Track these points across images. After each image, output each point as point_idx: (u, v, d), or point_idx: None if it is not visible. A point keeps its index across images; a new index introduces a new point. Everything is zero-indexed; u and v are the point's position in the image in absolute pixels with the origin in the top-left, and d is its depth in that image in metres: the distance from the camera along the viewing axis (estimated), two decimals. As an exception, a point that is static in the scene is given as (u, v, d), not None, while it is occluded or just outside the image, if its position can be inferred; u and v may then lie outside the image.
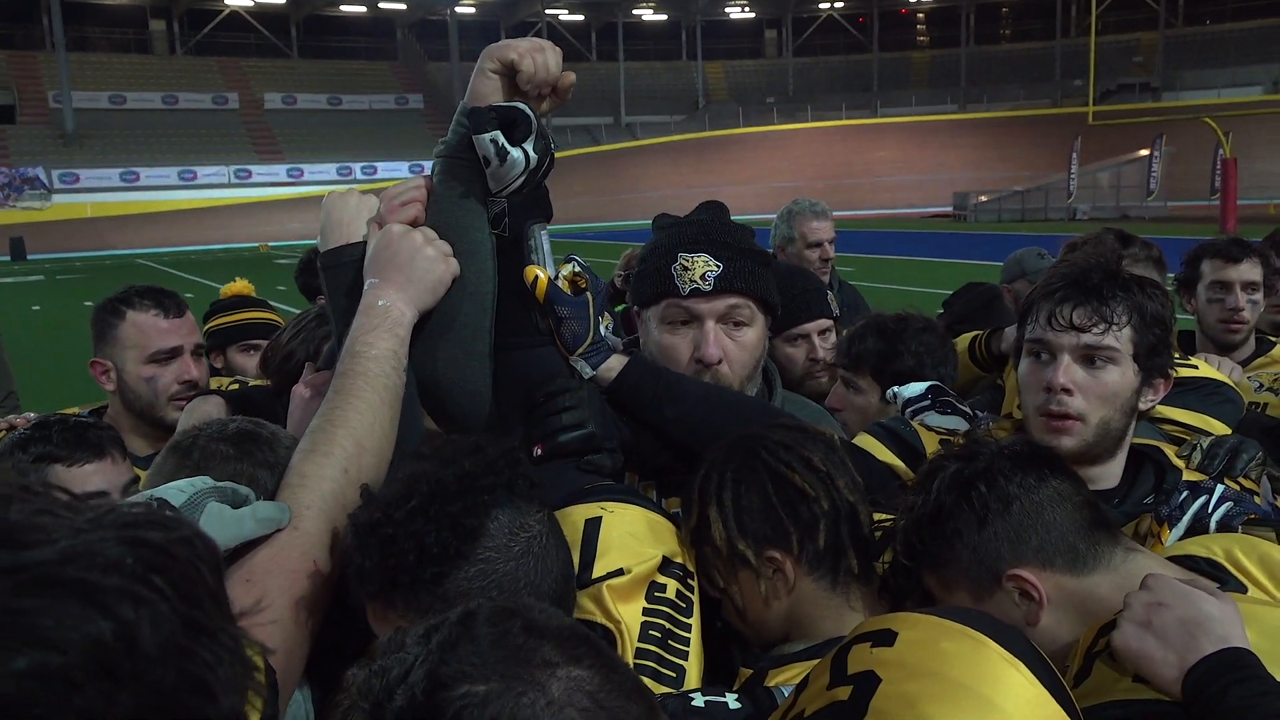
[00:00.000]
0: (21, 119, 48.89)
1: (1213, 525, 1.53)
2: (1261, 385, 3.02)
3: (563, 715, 0.72)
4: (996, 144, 53.83)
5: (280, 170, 51.78)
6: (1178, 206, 37.17)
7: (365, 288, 1.51)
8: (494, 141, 1.52)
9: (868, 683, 0.92)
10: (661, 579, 1.35)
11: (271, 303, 3.74)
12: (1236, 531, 1.49)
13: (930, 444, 1.87)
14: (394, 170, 53.46)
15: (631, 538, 1.36)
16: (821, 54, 65.94)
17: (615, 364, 1.64)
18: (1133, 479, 1.73)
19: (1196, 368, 2.43)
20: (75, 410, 2.66)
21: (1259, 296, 3.10)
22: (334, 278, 1.60)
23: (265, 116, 55.27)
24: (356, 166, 53.09)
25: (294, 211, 44.26)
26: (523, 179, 1.56)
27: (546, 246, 1.61)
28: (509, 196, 1.58)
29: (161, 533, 0.44)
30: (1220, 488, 1.58)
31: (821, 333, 2.70)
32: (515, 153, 1.53)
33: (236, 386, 2.70)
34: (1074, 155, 39.17)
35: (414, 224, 1.58)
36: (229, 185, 49.81)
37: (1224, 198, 28.20)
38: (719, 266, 1.70)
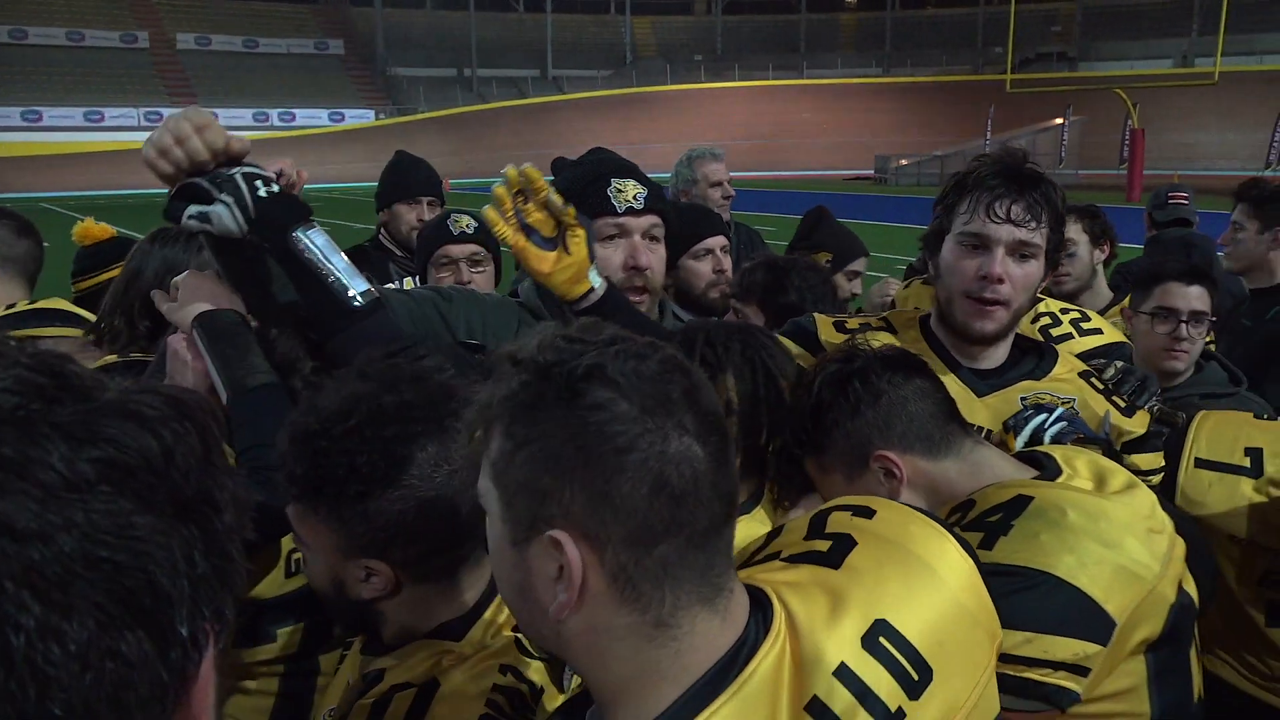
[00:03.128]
0: (-87, 52, 46.42)
1: (1046, 439, 1.75)
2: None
3: (664, 471, 0.84)
4: (918, 108, 54.58)
5: (193, 114, 49.99)
6: (1089, 175, 38.24)
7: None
8: (193, 217, 1.60)
9: (845, 542, 1.07)
10: None
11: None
12: (1065, 445, 1.70)
13: (824, 330, 2.11)
14: (313, 117, 52.07)
15: None
16: (750, 13, 65.88)
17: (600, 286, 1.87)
18: (1016, 361, 1.98)
19: (1102, 331, 2.59)
20: None
21: (1076, 251, 3.41)
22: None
23: (178, 57, 53.27)
24: (274, 113, 51.60)
25: (208, 157, 42.93)
26: (242, 217, 1.60)
27: (319, 240, 1.63)
28: (252, 234, 1.62)
29: (185, 394, 0.59)
30: (1060, 409, 1.80)
31: (722, 249, 2.98)
32: (216, 208, 1.59)
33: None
34: (989, 122, 39.95)
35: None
36: (139, 128, 47.89)
37: (1131, 167, 29.09)
38: (645, 189, 2.01)
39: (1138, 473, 1.85)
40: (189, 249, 2.26)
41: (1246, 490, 1.87)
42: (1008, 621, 1.17)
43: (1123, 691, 1.32)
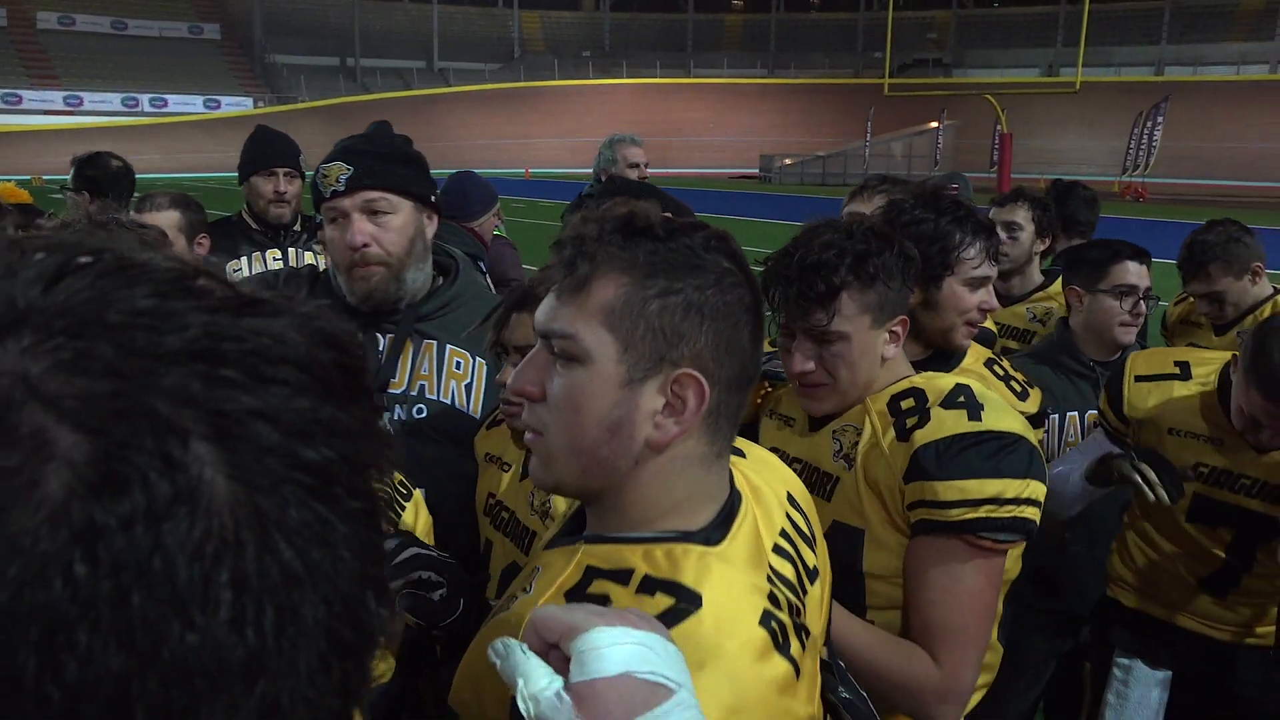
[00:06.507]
0: None
1: None
2: (1034, 316, 3.55)
3: (760, 328, 1.05)
4: (802, 109, 55.77)
5: (56, 97, 47.63)
6: (962, 177, 39.61)
7: None
8: None
9: (738, 451, 1.28)
10: None
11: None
12: None
13: None
14: (186, 104, 50.09)
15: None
16: (638, 10, 66.20)
17: None
18: (933, 358, 2.23)
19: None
20: None
21: (1019, 235, 3.60)
22: None
23: (39, 37, 50.58)
24: (144, 98, 49.49)
25: (72, 143, 40.66)
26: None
27: None
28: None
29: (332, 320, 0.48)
30: None
31: None
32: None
33: None
34: (869, 124, 41.14)
35: None
36: (-4, 111, 45.45)
37: (1000, 170, 30.37)
38: (350, 169, 2.06)
39: None
40: None
41: (1178, 389, 2.45)
42: (1006, 473, 1.56)
43: None
